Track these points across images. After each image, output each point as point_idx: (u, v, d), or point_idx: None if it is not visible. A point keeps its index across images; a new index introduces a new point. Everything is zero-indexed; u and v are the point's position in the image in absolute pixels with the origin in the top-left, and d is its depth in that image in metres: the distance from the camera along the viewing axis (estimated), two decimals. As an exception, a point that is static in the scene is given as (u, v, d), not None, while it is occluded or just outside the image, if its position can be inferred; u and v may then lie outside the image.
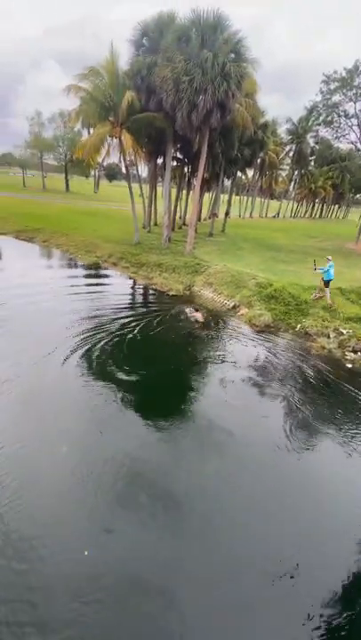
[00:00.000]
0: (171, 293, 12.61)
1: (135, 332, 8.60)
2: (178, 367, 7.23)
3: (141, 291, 13.13)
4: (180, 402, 5.92)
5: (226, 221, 27.49)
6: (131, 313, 9.98)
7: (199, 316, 10.01)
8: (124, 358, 7.14)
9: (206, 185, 27.17)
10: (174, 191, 26.08)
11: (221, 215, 30.50)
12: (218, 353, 8.12)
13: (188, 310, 10.52)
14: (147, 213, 22.95)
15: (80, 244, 18.72)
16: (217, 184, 25.15)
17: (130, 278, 14.20)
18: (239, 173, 32.45)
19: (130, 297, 12.11)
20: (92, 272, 14.04)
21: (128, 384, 6.27)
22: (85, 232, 21.10)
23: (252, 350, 8.47)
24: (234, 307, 11.54)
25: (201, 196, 28.30)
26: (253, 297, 11.48)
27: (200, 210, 31.46)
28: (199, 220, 32.08)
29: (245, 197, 52.93)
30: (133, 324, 9.12)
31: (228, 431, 5.31)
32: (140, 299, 12.09)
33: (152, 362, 7.20)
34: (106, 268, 15.23)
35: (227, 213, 27.70)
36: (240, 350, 8.38)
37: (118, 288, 12.54)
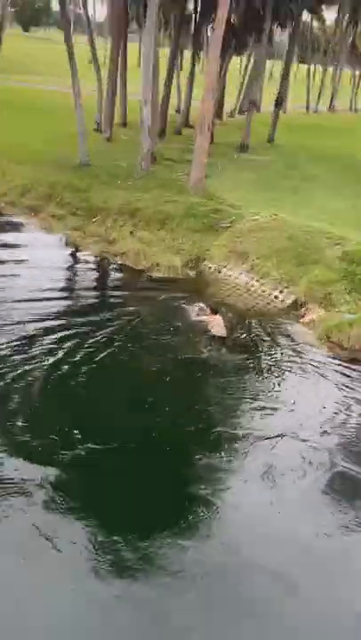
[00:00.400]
0: (156, 275, 12.68)
1: (77, 363, 8.85)
2: (168, 450, 7.42)
3: (92, 270, 13.17)
4: (178, 548, 5.91)
5: (277, 120, 27.94)
6: (66, 322, 10.18)
7: (218, 324, 10.35)
8: (54, 426, 7.38)
9: (236, 42, 27.38)
10: (165, 60, 26.11)
11: (267, 107, 30.92)
12: (259, 414, 8.32)
13: (194, 312, 10.87)
14: (106, 103, 23.26)
15: None
16: (257, 40, 25.28)
17: (67, 243, 14.36)
18: (306, 16, 33.01)
19: (66, 285, 12.08)
20: None
21: (58, 492, 6.38)
22: None
23: (337, 409, 8.62)
24: (293, 305, 11.65)
25: (223, 64, 28.68)
26: (335, 284, 11.59)
27: (221, 96, 32.03)
28: (219, 116, 33.03)
29: (320, 69, 54.96)
30: (72, 345, 9.34)
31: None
32: (87, 289, 12.09)
33: (113, 435, 7.43)
34: (12, 222, 15.36)
35: (279, 103, 27.98)
36: (309, 409, 8.54)
37: (40, 264, 12.52)
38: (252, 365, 9.53)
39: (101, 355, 9.10)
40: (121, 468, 6.87)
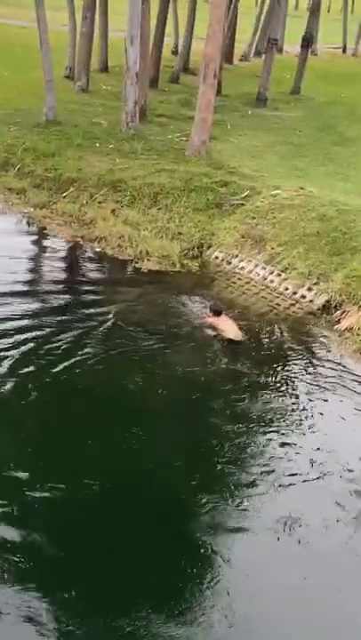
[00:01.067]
0: (146, 266, 12.71)
1: (37, 381, 8.94)
2: (160, 503, 7.43)
3: (61, 261, 13.18)
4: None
5: (304, 64, 28.20)
6: (25, 328, 10.21)
7: (231, 326, 10.57)
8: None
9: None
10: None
11: (292, 48, 31.00)
12: (280, 452, 8.37)
13: (196, 313, 11.02)
14: (81, 42, 23.31)
15: None
16: None
17: (28, 225, 14.41)
18: None
19: (25, 280, 12.08)
20: None
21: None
22: None
23: None
24: (325, 307, 11.73)
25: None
26: None
27: (232, 33, 32.10)
28: (229, 60, 33.23)
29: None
30: (31, 358, 9.44)
31: None
32: (54, 285, 12.07)
33: (83, 482, 7.41)
34: None
35: (307, 42, 28.23)
36: (345, 446, 8.58)
37: None
38: (272, 386, 9.54)
39: (68, 369, 9.14)
40: (97, 526, 6.83)
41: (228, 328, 10.47)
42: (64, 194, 15.14)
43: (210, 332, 10.58)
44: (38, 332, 9.96)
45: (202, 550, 6.69)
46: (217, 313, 10.75)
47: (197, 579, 6.39)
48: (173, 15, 32.00)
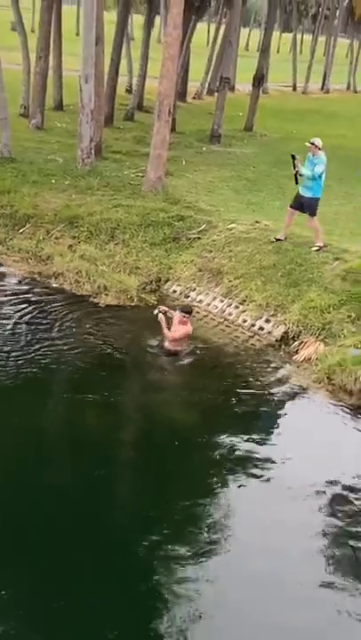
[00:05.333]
0: (104, 301, 12.74)
1: None
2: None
3: (17, 298, 12.99)
4: None
5: (256, 102, 28.75)
6: None
7: (179, 330, 10.84)
8: None
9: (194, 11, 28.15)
10: (112, 27, 26.67)
11: (243, 86, 31.65)
12: (240, 489, 8.33)
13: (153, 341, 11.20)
14: (35, 80, 23.41)
15: None
16: (228, 4, 26.12)
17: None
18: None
19: None
20: None
21: None
22: None
23: (350, 479, 8.65)
24: (283, 338, 11.80)
25: (187, 31, 29.41)
26: (337, 311, 11.81)
27: (185, 71, 32.77)
28: (183, 98, 33.77)
29: (308, 38, 56.75)
30: None
31: None
32: (6, 321, 11.95)
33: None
34: None
35: (258, 81, 28.88)
36: (310, 478, 8.48)
37: None
38: (230, 421, 9.51)
39: (21, 408, 9.02)
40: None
41: (173, 331, 10.68)
42: (20, 230, 15.04)
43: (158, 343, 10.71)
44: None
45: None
46: (187, 313, 10.87)
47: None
48: (127, 54, 32.53)
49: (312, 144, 12.93)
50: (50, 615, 6.02)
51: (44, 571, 6.50)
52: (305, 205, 13.27)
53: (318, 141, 12.94)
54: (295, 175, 13.16)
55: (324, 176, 13.07)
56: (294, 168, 13.04)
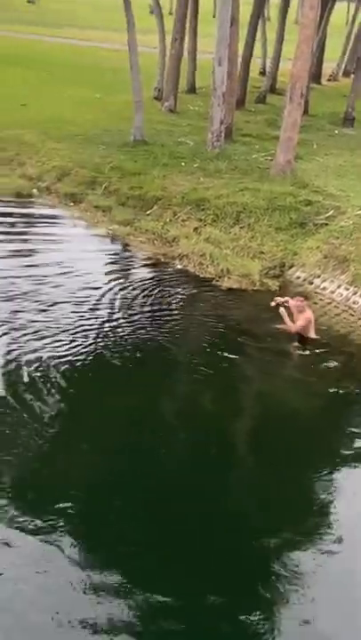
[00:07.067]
0: (226, 285, 12.77)
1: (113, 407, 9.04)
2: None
3: (142, 278, 13.30)
4: None
5: None
6: (103, 346, 10.36)
7: (300, 318, 10.67)
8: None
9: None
10: (248, 8, 26.39)
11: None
12: None
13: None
14: (170, 64, 23.77)
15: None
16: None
17: (112, 241, 14.69)
18: None
19: (105, 298, 12.08)
20: (10, 224, 15.19)
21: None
22: (1, 108, 21.99)
23: None
24: None
25: (324, 12, 28.57)
26: None
27: (320, 53, 31.93)
28: (317, 80, 33.15)
29: None
30: (107, 381, 9.59)
31: None
32: (133, 301, 12.14)
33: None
34: (45, 214, 15.85)
35: None
36: None
37: (76, 269, 12.82)
38: (353, 410, 9.37)
39: (133, 398, 9.18)
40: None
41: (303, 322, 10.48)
42: (148, 212, 15.37)
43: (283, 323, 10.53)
44: (116, 341, 10.08)
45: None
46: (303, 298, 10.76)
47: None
48: (262, 36, 32.16)
49: None
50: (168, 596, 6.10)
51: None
52: None
53: None
54: None
55: None
56: None
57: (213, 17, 29.89)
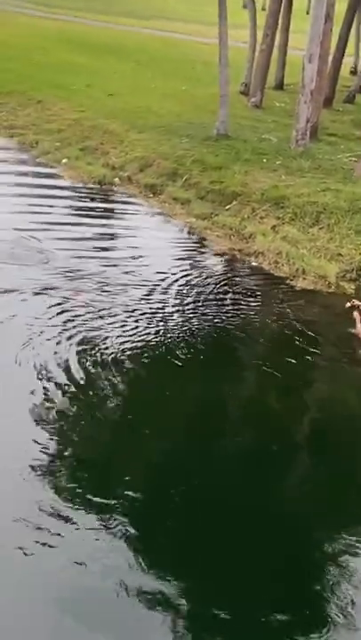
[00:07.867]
0: (300, 285, 12.61)
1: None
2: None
3: (216, 272, 13.33)
4: None
5: None
6: (172, 340, 10.35)
7: None
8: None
9: None
10: (343, 5, 25.88)
11: None
12: None
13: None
14: (259, 59, 23.58)
15: (72, 129, 19.98)
16: None
17: (189, 234, 14.76)
18: None
19: (178, 290, 12.17)
20: (90, 209, 15.54)
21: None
22: (90, 97, 22.62)
23: None
24: None
25: None
26: None
27: None
28: None
29: None
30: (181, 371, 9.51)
31: None
32: (206, 295, 12.16)
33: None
34: (126, 202, 16.12)
35: None
36: None
37: (151, 259, 12.97)
38: None
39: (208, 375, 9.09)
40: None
41: None
42: (227, 207, 15.33)
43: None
44: (186, 336, 10.12)
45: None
46: None
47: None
48: (356, 34, 31.50)
49: None
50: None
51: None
52: None
53: None
54: None
55: None
56: None
57: (307, 13, 29.42)
